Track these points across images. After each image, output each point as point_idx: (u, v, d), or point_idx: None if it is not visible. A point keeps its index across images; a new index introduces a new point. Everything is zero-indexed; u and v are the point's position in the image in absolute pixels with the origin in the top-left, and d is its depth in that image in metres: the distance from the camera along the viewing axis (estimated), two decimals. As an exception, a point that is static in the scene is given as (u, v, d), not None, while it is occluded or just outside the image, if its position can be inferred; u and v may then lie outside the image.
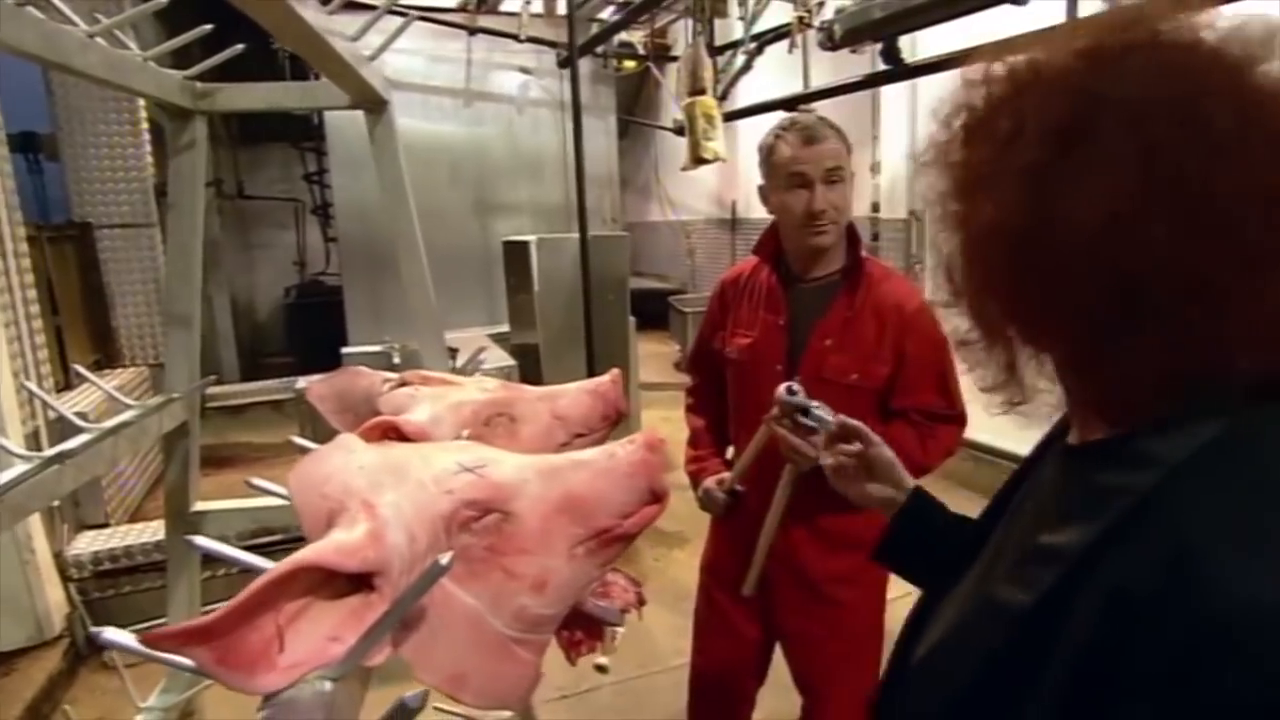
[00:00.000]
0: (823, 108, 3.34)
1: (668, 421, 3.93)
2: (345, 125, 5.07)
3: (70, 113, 4.61)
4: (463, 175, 5.65)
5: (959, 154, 0.61)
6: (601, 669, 2.67)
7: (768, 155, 1.65)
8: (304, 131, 7.76)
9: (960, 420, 1.66)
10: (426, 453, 0.79)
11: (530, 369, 3.76)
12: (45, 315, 3.62)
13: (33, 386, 1.92)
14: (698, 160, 4.75)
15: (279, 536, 2.54)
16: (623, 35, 6.29)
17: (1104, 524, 0.53)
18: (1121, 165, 0.51)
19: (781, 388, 1.31)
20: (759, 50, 5.23)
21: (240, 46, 1.54)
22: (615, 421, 1.07)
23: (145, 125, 4.78)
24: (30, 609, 2.88)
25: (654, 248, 10.12)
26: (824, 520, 1.64)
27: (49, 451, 1.25)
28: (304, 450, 0.95)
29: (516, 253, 4.05)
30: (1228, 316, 0.51)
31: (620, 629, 0.93)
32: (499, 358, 3.68)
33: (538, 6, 5.74)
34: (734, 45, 5.43)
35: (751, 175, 1.76)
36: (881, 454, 1.02)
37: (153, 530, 3.23)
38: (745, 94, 5.58)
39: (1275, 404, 0.53)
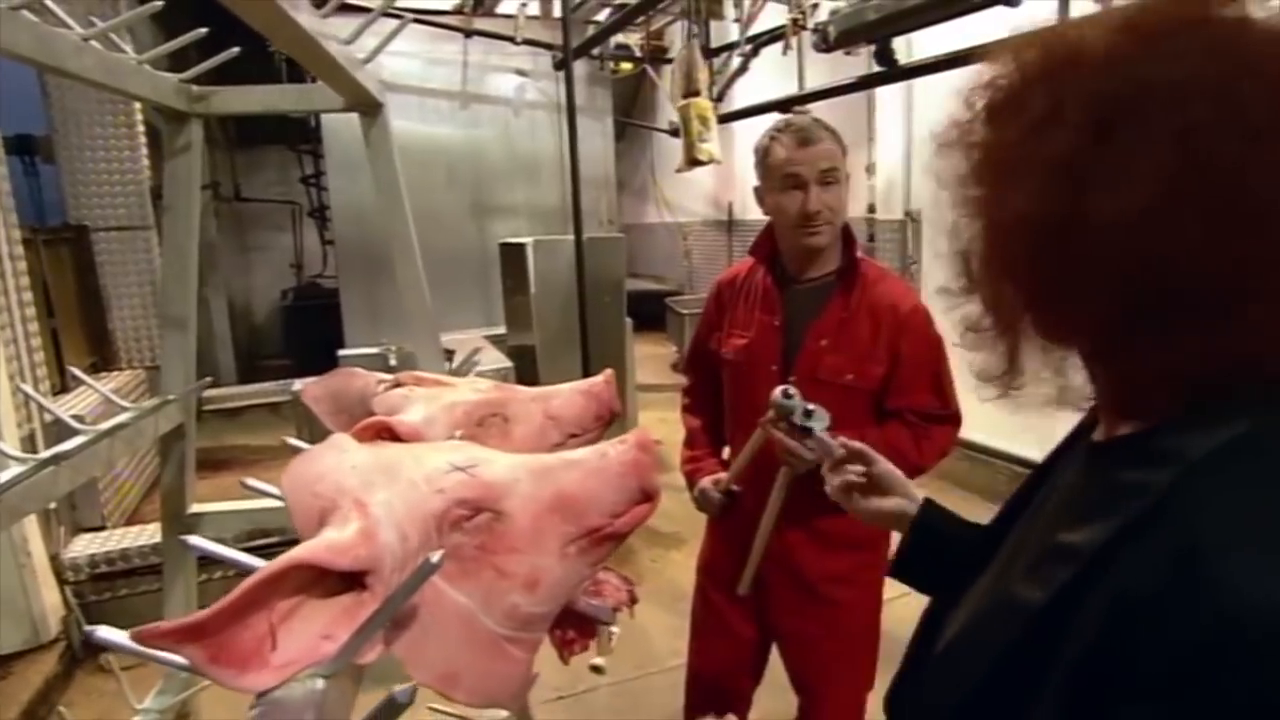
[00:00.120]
0: (818, 109, 3.35)
1: (665, 422, 3.94)
2: (342, 128, 5.06)
3: (66, 115, 4.61)
4: (459, 177, 5.66)
5: (982, 134, 0.58)
6: (598, 670, 2.67)
7: (763, 157, 1.65)
8: (301, 134, 7.75)
9: (955, 420, 1.67)
10: (419, 452, 0.79)
11: (527, 371, 3.76)
12: (41, 318, 3.63)
13: (28, 389, 1.92)
14: (692, 162, 4.76)
15: (275, 538, 2.52)
16: (619, 37, 6.29)
17: (1120, 521, 0.51)
18: (1158, 151, 0.48)
19: (777, 391, 1.32)
20: (754, 52, 5.23)
21: (236, 49, 1.54)
22: (609, 422, 1.07)
23: (141, 128, 4.78)
24: (26, 612, 2.87)
25: (651, 249, 10.12)
26: (820, 521, 1.64)
27: (44, 453, 1.24)
28: (298, 451, 0.95)
29: (513, 255, 4.06)
30: (1257, 313, 0.49)
31: (615, 629, 0.93)
32: (495, 359, 3.68)
33: (534, 9, 5.74)
34: (729, 47, 5.44)
35: (748, 177, 1.76)
36: (886, 469, 1.00)
37: (149, 533, 3.23)
38: (741, 95, 5.58)
39: None
